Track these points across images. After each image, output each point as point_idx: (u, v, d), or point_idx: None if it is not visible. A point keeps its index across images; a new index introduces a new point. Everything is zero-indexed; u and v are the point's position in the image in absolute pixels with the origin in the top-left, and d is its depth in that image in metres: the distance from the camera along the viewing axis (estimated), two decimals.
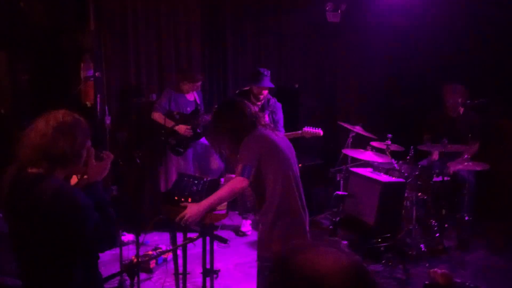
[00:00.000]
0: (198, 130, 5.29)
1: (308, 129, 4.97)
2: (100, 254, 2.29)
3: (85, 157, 2.14)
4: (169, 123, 5.13)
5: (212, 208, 2.89)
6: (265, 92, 4.98)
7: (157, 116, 5.21)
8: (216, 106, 3.29)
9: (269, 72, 5.00)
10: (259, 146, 2.88)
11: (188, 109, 5.34)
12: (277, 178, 2.88)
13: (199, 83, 5.37)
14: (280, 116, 5.13)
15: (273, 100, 5.14)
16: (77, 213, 1.98)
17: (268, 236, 2.91)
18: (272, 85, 4.99)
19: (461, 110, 5.34)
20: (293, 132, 4.97)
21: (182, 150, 5.26)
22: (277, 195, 2.89)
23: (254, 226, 5.25)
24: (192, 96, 5.42)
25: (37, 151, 1.99)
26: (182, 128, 5.15)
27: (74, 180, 2.27)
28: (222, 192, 2.88)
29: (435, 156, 5.28)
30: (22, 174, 2.02)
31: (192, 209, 2.85)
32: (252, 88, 4.98)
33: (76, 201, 1.98)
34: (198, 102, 5.41)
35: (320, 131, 5.00)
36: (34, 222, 1.96)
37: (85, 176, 2.21)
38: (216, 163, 5.50)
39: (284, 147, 2.99)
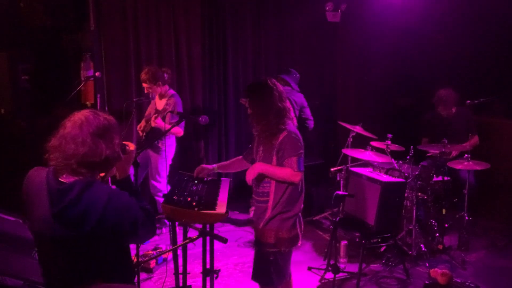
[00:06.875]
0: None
1: None
2: None
3: None
4: None
5: (263, 175, 3.01)
6: None
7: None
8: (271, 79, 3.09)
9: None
10: (301, 141, 3.01)
11: None
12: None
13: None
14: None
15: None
16: (129, 213, 1.96)
17: (279, 225, 3.00)
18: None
19: (454, 109, 5.38)
20: None
21: None
22: (297, 189, 3.03)
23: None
24: None
25: (80, 160, 1.90)
26: None
27: None
28: (279, 171, 2.94)
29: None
30: (59, 184, 1.92)
31: (254, 168, 3.00)
32: None
33: (126, 202, 1.97)
34: None
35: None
36: (86, 230, 1.88)
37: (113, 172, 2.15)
38: None
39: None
